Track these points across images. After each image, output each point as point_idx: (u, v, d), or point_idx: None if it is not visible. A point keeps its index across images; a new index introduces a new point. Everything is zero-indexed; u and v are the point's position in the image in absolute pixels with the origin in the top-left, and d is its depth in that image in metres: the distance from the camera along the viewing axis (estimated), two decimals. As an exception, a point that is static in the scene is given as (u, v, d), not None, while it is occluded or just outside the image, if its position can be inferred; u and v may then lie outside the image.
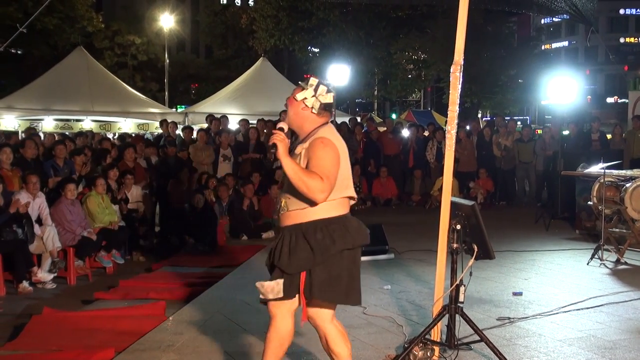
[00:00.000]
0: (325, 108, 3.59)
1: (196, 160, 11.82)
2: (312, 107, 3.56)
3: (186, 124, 16.34)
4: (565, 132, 14.41)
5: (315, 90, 3.57)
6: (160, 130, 17.90)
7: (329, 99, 3.58)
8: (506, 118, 17.20)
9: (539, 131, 19.65)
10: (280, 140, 3.41)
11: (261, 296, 3.59)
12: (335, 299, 3.57)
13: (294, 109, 3.61)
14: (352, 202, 3.66)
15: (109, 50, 37.03)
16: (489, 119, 35.94)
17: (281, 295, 3.52)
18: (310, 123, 3.59)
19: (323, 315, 3.61)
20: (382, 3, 24.55)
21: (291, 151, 3.56)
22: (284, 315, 3.59)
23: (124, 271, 8.31)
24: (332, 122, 3.76)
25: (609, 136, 14.48)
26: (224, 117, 14.13)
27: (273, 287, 3.53)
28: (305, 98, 3.56)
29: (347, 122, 16.15)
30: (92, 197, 8.41)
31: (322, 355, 4.28)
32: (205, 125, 15.25)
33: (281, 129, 3.53)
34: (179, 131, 13.91)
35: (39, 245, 7.51)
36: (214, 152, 12.21)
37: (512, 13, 25.93)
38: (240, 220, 10.63)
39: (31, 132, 12.28)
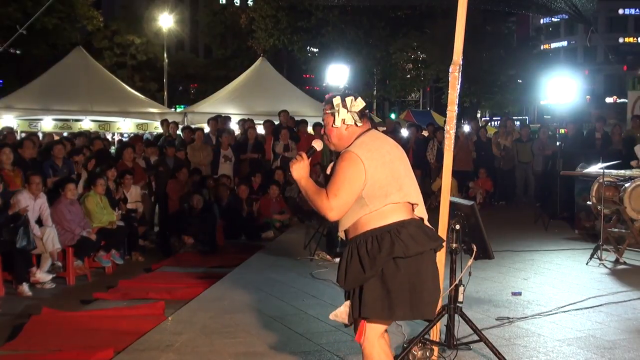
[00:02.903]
0: (362, 115, 3.46)
1: (194, 161, 11.80)
2: (355, 122, 3.44)
3: (185, 124, 16.33)
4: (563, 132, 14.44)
5: (345, 105, 3.44)
6: (159, 130, 17.96)
7: (360, 104, 3.46)
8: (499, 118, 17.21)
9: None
10: (294, 169, 3.37)
11: (344, 323, 3.46)
12: (391, 316, 3.32)
13: (337, 135, 3.48)
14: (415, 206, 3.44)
15: (108, 50, 37.02)
16: (487, 118, 36.00)
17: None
18: (350, 139, 3.46)
19: (369, 332, 3.37)
20: (381, 4, 24.55)
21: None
22: (373, 344, 3.37)
23: (123, 271, 8.30)
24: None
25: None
26: (227, 117, 14.09)
27: (347, 312, 3.39)
28: (344, 119, 3.44)
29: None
30: (90, 197, 8.41)
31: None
32: (204, 125, 15.25)
33: (310, 150, 3.49)
34: (179, 131, 13.90)
35: (38, 246, 7.50)
36: (211, 152, 12.19)
37: (511, 13, 25.93)
38: (239, 221, 10.62)
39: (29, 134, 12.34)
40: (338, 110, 3.44)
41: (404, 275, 3.28)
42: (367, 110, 3.53)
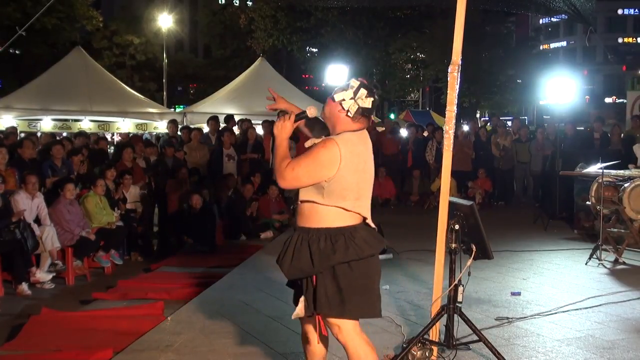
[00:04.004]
0: (363, 113, 3.43)
1: (190, 161, 11.78)
2: (348, 111, 3.41)
3: (184, 124, 16.32)
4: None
5: (355, 92, 3.41)
6: (159, 130, 17.97)
7: (367, 103, 3.42)
8: (508, 118, 17.17)
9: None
10: (277, 125, 3.48)
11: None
12: (342, 314, 3.41)
13: (331, 109, 3.49)
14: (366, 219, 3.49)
15: (108, 50, 36.98)
16: (487, 118, 36.02)
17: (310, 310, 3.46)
18: (342, 126, 3.46)
19: (346, 331, 3.47)
20: (380, 5, 24.57)
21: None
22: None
23: (123, 271, 8.31)
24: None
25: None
26: (231, 116, 14.03)
27: (303, 307, 3.47)
28: (344, 100, 3.42)
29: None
30: (90, 197, 8.42)
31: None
32: (203, 125, 15.22)
33: (302, 114, 3.55)
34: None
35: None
36: (208, 152, 12.18)
37: (510, 13, 25.95)
38: (239, 221, 10.62)
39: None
40: (347, 90, 3.45)
41: (356, 275, 3.39)
42: (371, 115, 3.52)
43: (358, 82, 3.45)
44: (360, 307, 3.42)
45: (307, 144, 3.53)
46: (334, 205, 3.39)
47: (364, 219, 3.48)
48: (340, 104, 3.44)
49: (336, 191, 3.37)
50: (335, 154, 3.33)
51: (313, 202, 3.41)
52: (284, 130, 3.47)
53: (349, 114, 3.42)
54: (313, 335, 3.62)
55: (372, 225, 3.52)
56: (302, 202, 3.46)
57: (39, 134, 15.48)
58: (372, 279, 3.47)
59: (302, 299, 3.48)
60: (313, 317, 3.51)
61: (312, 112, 3.57)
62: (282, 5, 29.48)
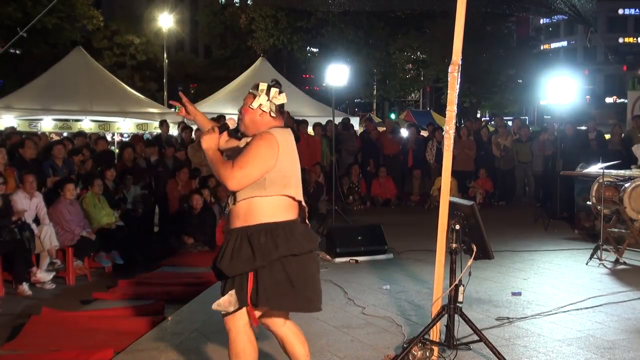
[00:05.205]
0: (280, 110, 3.66)
1: (194, 161, 11.78)
2: (271, 111, 3.62)
3: (185, 124, 16.30)
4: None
5: (268, 94, 3.63)
6: (159, 130, 17.94)
7: (282, 99, 3.65)
8: (509, 118, 17.14)
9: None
10: (204, 139, 3.58)
11: (222, 312, 3.57)
12: (281, 306, 3.57)
13: (250, 117, 3.66)
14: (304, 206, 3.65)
15: (108, 50, 36.96)
16: (487, 118, 36.02)
17: (238, 304, 3.51)
18: (266, 127, 3.62)
19: (274, 320, 3.66)
20: (381, 9, 24.56)
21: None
22: (238, 330, 3.55)
23: (123, 271, 8.30)
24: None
25: (607, 136, 14.49)
26: (228, 117, 14.07)
27: (230, 301, 3.52)
28: (261, 104, 3.62)
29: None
30: (87, 198, 8.42)
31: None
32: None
33: (224, 125, 3.71)
34: (172, 132, 13.91)
35: (36, 245, 7.50)
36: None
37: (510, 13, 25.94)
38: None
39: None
40: (260, 95, 3.63)
41: (292, 270, 3.49)
42: (286, 110, 3.73)
43: (266, 84, 3.66)
44: (298, 301, 3.55)
45: (241, 143, 3.70)
46: (278, 195, 3.51)
47: (300, 210, 3.61)
48: (260, 109, 3.62)
49: (277, 179, 3.50)
50: (273, 142, 3.50)
51: (254, 197, 3.50)
52: (213, 141, 3.61)
53: (271, 114, 3.62)
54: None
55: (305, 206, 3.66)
56: (239, 201, 3.53)
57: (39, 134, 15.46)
58: (315, 273, 3.63)
59: (232, 292, 3.52)
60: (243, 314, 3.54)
61: (232, 123, 3.79)
62: (283, 6, 29.47)
